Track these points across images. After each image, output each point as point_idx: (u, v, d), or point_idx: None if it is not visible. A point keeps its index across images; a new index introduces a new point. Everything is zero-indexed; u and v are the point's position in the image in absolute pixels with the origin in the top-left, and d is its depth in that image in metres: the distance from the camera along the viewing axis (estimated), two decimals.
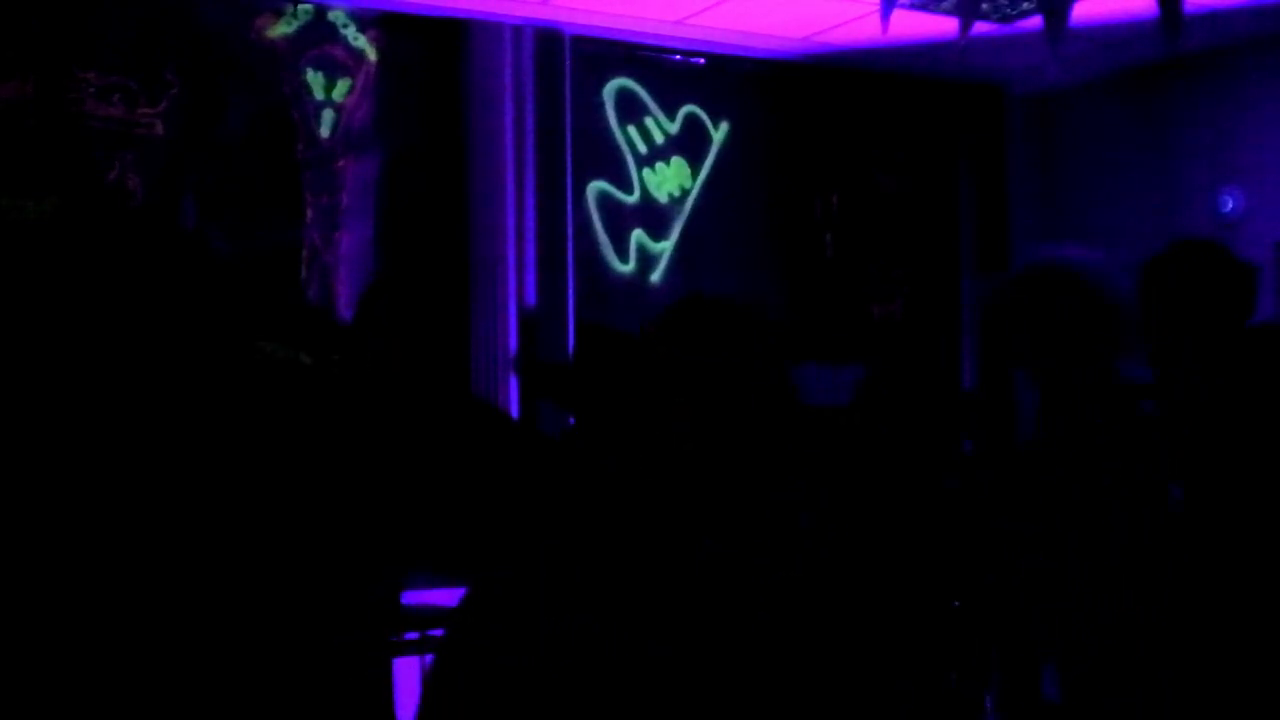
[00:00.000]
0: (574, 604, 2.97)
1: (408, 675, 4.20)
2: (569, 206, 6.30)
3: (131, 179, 5.44)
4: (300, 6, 5.85)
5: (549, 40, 6.25)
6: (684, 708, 3.08)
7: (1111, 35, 6.45)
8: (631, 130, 6.60)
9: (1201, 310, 3.46)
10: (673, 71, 6.72)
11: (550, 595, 3.00)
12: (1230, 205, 6.56)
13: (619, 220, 6.56)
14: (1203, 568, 3.46)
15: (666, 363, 3.29)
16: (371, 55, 6.01)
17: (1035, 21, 5.48)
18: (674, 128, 6.72)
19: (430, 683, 3.12)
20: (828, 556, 5.09)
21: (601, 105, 6.53)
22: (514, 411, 5.92)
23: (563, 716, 3.00)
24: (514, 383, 6.00)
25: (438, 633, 4.14)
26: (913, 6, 6.02)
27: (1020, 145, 7.50)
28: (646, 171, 6.63)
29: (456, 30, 6.13)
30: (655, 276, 6.62)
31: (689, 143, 6.75)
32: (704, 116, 6.79)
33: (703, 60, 6.77)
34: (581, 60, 6.40)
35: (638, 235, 6.59)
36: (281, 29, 5.81)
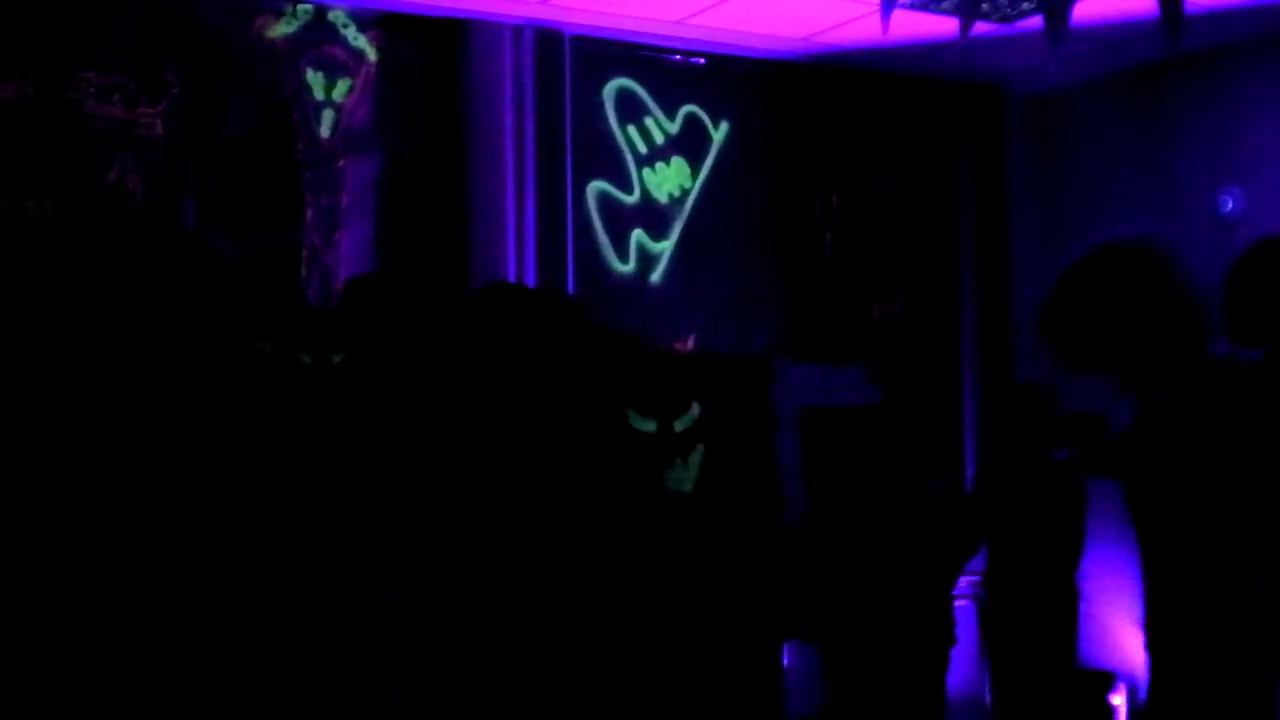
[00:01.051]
0: (567, 552, 2.98)
1: None
2: (569, 206, 6.30)
3: (131, 179, 5.44)
4: (300, 6, 5.85)
5: (549, 40, 6.25)
6: (672, 685, 3.08)
7: (1111, 35, 6.45)
8: (631, 130, 6.60)
9: None
10: (673, 71, 6.72)
11: (546, 544, 3.00)
12: (1230, 205, 6.56)
13: (619, 220, 6.56)
14: None
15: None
16: (371, 55, 6.01)
17: (1035, 21, 5.48)
18: (674, 128, 6.71)
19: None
20: (828, 555, 5.10)
21: (601, 105, 6.53)
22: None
23: (556, 683, 3.00)
24: None
25: None
26: (913, 6, 6.01)
27: (1020, 145, 7.49)
28: (646, 171, 6.63)
29: (456, 30, 6.12)
30: (655, 276, 6.62)
31: (689, 143, 6.75)
32: (704, 116, 6.78)
33: (703, 60, 6.76)
34: (581, 60, 6.40)
35: (638, 235, 6.59)
36: (281, 29, 5.81)
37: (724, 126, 6.83)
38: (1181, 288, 3.30)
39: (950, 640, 5.07)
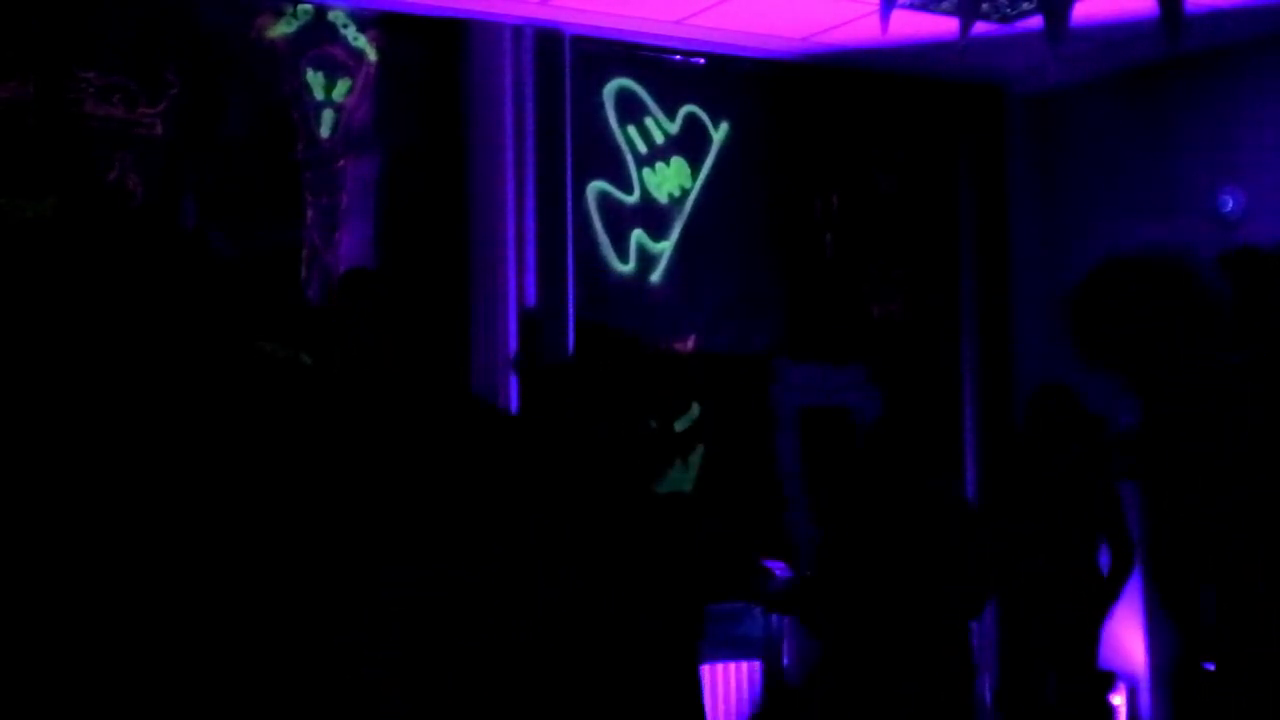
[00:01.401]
0: (567, 569, 2.98)
1: None
2: (569, 206, 6.30)
3: (131, 179, 5.44)
4: (300, 6, 5.85)
5: (549, 40, 6.25)
6: (671, 684, 3.08)
7: (1111, 35, 6.45)
8: (631, 130, 6.60)
9: None
10: (673, 71, 6.72)
11: (546, 561, 3.00)
12: (1230, 205, 6.56)
13: (619, 220, 6.56)
14: None
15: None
16: (371, 55, 6.01)
17: (1035, 21, 5.48)
18: (674, 128, 6.72)
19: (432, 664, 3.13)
20: (828, 558, 5.09)
21: (601, 105, 6.53)
22: (513, 409, 5.91)
23: (555, 684, 3.01)
24: (514, 382, 6.00)
25: None
26: (913, 6, 6.02)
27: (1020, 145, 7.49)
28: (646, 171, 6.63)
29: (456, 30, 6.12)
30: (655, 276, 6.62)
31: (689, 143, 6.75)
32: (704, 116, 6.78)
33: (703, 60, 6.77)
34: (581, 60, 6.40)
35: (638, 235, 6.59)
36: (281, 29, 5.81)
37: (724, 126, 6.83)
38: (1207, 303, 3.30)
39: (970, 681, 5.06)
